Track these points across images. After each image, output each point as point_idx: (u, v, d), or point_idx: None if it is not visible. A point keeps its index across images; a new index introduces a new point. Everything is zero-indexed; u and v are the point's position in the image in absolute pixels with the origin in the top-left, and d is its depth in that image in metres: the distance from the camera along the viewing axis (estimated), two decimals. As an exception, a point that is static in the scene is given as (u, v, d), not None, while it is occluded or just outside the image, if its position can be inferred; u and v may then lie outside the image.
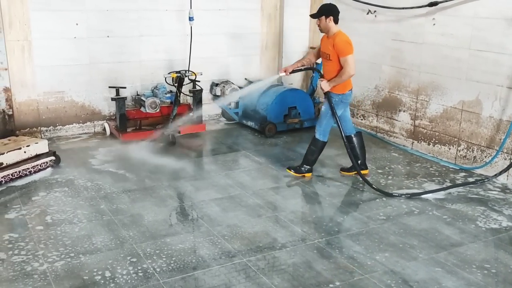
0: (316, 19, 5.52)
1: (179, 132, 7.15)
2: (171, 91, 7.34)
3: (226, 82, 7.94)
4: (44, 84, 7.03)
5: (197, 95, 7.45)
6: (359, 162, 5.92)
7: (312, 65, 6.04)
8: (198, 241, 4.41)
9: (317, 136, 5.80)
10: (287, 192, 5.67)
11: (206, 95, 7.91)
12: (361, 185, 5.77)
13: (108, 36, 7.30)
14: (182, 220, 4.90)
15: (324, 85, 5.49)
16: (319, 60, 5.96)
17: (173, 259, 4.10)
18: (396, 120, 7.36)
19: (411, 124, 7.10)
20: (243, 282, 3.82)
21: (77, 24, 7.06)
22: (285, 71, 5.82)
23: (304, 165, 5.93)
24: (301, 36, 8.76)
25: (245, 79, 8.35)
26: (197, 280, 3.83)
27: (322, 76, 5.65)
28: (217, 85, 7.93)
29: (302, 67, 5.89)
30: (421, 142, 6.98)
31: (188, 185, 5.81)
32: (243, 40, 8.23)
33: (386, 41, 7.34)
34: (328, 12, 5.45)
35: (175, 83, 7.01)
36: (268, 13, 8.31)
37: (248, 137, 7.42)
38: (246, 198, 5.37)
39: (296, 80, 8.89)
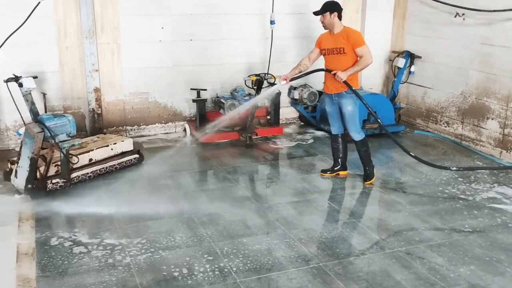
0: (320, 15, 5.56)
1: (256, 135, 7.22)
2: (249, 94, 7.43)
3: (304, 85, 7.92)
4: (130, 85, 7.37)
5: (275, 98, 7.48)
6: (341, 161, 6.00)
7: (310, 69, 5.81)
8: (274, 243, 4.41)
9: (358, 138, 5.71)
10: (365, 199, 5.55)
11: (283, 99, 7.93)
12: (445, 195, 5.52)
13: (191, 40, 7.53)
14: (259, 221, 4.93)
15: (341, 74, 5.37)
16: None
17: (250, 259, 4.14)
18: (483, 128, 6.98)
19: (500, 133, 6.71)
20: (319, 286, 3.78)
21: (162, 28, 7.34)
22: (285, 79, 5.65)
23: (370, 169, 5.82)
24: (382, 40, 8.56)
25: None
26: (273, 282, 3.83)
27: (330, 72, 5.55)
28: (295, 88, 7.93)
29: (300, 73, 5.73)
30: (510, 151, 6.57)
31: (265, 187, 5.85)
32: (322, 44, 8.17)
33: (474, 45, 7.00)
34: (332, 8, 5.50)
35: (254, 85, 7.09)
36: (349, 16, 8.19)
37: (325, 142, 7.34)
38: (323, 202, 5.32)
39: (376, 85, 8.70)
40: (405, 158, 6.44)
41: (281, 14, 7.71)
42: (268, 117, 7.70)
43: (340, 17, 5.54)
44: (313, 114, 8.04)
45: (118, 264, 4.04)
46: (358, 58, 5.43)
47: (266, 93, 6.78)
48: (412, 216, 5.01)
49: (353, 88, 5.48)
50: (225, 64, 7.82)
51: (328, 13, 5.48)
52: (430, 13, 7.80)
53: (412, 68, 8.23)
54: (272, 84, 7.37)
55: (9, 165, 5.66)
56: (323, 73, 5.73)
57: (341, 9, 5.58)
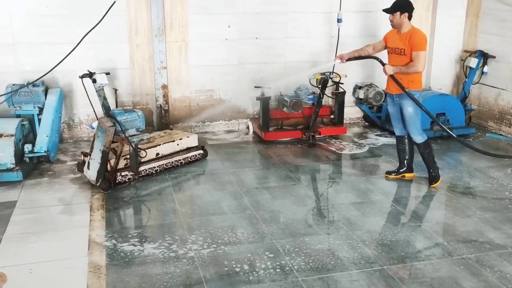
0: (390, 14, 5.36)
1: (320, 134, 7.16)
2: (313, 93, 7.38)
3: (370, 85, 7.78)
4: (196, 83, 7.52)
5: (339, 97, 7.40)
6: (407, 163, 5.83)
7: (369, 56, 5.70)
8: (337, 243, 4.36)
9: (420, 141, 5.53)
10: (432, 202, 5.38)
11: (348, 98, 7.82)
12: (517, 201, 5.26)
13: (256, 38, 7.58)
14: (321, 221, 4.90)
15: (388, 68, 5.31)
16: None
17: (312, 258, 4.11)
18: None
19: None
20: (382, 290, 3.71)
21: (229, 26, 7.44)
22: (340, 59, 5.63)
23: (435, 171, 5.63)
24: (454, 39, 8.24)
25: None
26: (335, 282, 3.80)
27: (381, 63, 5.46)
28: (360, 87, 7.80)
29: (359, 56, 5.69)
30: None
31: (327, 187, 5.80)
32: (390, 43, 7.97)
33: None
34: (403, 8, 5.30)
35: (319, 84, 7.04)
36: (419, 15, 7.94)
37: (390, 143, 7.17)
38: (387, 204, 5.20)
39: (445, 85, 8.39)
40: (475, 162, 6.19)
41: (348, 12, 7.61)
42: (332, 116, 7.62)
43: (410, 17, 5.36)
44: (378, 114, 7.88)
45: (182, 257, 4.14)
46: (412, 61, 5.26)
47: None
48: (483, 222, 4.79)
49: (405, 88, 5.29)
50: (289, 63, 7.82)
51: (398, 12, 5.30)
52: (506, 11, 7.43)
53: (485, 69, 7.87)
54: (338, 83, 7.29)
55: (82, 157, 5.94)
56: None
57: (413, 8, 5.38)
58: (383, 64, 5.41)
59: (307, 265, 4.02)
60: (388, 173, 5.92)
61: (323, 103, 7.36)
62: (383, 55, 5.66)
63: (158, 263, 4.06)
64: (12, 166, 5.65)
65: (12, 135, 5.72)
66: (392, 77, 5.36)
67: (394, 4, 5.38)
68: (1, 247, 4.28)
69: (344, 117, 7.65)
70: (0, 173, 5.60)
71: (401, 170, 5.83)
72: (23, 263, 4.03)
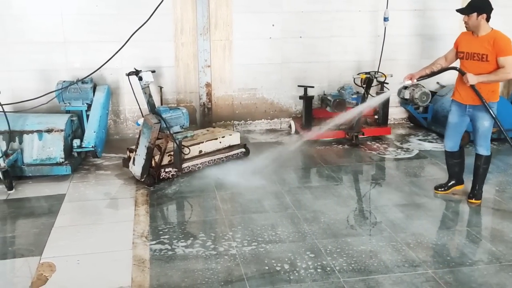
0: (465, 15, 4.78)
1: (363, 134, 7.07)
2: (357, 92, 7.29)
3: (416, 85, 7.61)
4: (239, 81, 7.56)
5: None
6: (457, 176, 5.40)
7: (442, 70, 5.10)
8: (380, 245, 4.29)
9: (485, 154, 5.04)
10: (480, 207, 5.18)
11: (393, 98, 7.69)
12: None
13: (300, 37, 7.55)
14: (363, 222, 4.83)
15: (471, 78, 4.68)
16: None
17: (354, 259, 4.06)
18: None
19: None
20: (427, 294, 3.62)
21: (273, 25, 7.44)
22: (410, 79, 5.07)
23: (481, 189, 5.16)
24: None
25: (437, 83, 7.90)
26: (378, 284, 3.73)
27: (460, 73, 4.86)
28: (406, 88, 7.65)
29: (432, 73, 5.08)
30: None
31: (370, 188, 5.72)
32: (438, 42, 7.75)
33: None
34: (481, 8, 4.71)
35: (363, 84, 6.95)
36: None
37: (436, 145, 6.99)
38: (433, 207, 5.07)
39: (495, 86, 8.11)
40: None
41: (395, 10, 7.48)
42: (376, 116, 7.51)
43: (488, 19, 4.75)
44: (424, 115, 7.71)
45: (224, 253, 4.17)
46: (499, 68, 4.68)
47: (379, 98, 6.51)
48: (534, 229, 4.61)
49: (493, 111, 4.78)
50: (333, 62, 7.75)
51: (475, 14, 4.70)
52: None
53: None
54: (383, 83, 7.18)
55: (127, 153, 6.07)
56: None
57: (491, 9, 4.75)
58: (463, 73, 4.77)
59: (349, 266, 3.97)
60: (437, 188, 5.42)
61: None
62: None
63: (200, 259, 4.10)
64: (61, 160, 5.84)
65: (62, 130, 5.91)
66: (472, 87, 4.74)
67: (470, 4, 4.81)
68: (51, 238, 4.42)
69: (389, 117, 7.52)
70: (50, 167, 5.80)
71: (450, 184, 5.41)
72: (71, 254, 4.15)
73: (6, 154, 5.52)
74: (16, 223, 4.75)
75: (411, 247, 4.25)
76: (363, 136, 7.10)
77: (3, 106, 5.43)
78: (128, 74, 6.19)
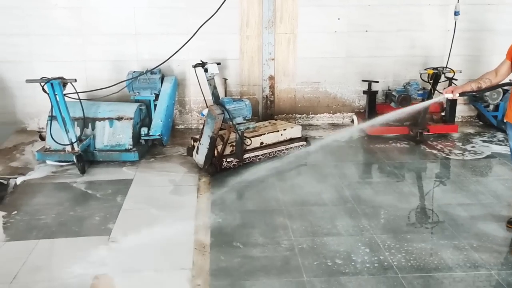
0: None
1: (428, 131, 6.89)
2: (424, 88, 7.11)
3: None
4: (302, 75, 7.58)
5: (451, 94, 7.05)
6: None
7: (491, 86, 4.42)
8: (441, 244, 4.20)
9: None
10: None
11: (461, 95, 7.43)
12: None
13: (366, 31, 7.46)
14: (425, 220, 4.74)
15: None
16: None
17: (413, 256, 4.01)
18: None
19: None
20: (489, 296, 3.53)
21: (338, 19, 7.40)
22: (451, 92, 4.50)
23: None
24: None
25: (510, 80, 7.53)
26: (437, 282, 3.67)
27: None
28: (475, 85, 7.35)
29: (479, 90, 4.40)
30: None
31: (433, 186, 5.59)
32: (512, 37, 7.43)
33: None
34: None
35: (430, 79, 6.77)
36: None
37: (506, 144, 6.71)
38: (499, 208, 4.89)
39: None
40: None
41: (466, 4, 7.21)
42: (443, 113, 7.29)
43: None
44: (494, 114, 7.40)
45: (282, 243, 4.24)
46: None
47: (430, 101, 6.28)
48: None
49: None
50: (399, 57, 7.60)
51: None
52: None
53: None
54: (451, 79, 6.96)
55: (191, 142, 6.26)
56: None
57: None
58: None
59: (407, 262, 3.92)
60: (510, 223, 4.51)
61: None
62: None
63: (258, 246, 4.19)
64: (130, 147, 6.12)
65: (131, 119, 6.19)
66: None
67: None
68: (118, 219, 4.67)
69: (456, 115, 7.28)
70: (119, 153, 6.09)
71: None
72: (137, 235, 4.36)
73: (80, 140, 5.85)
74: (87, 204, 5.03)
75: (474, 247, 4.14)
76: (428, 133, 6.92)
77: (79, 94, 5.75)
78: (195, 66, 6.37)
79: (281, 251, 4.11)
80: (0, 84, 7.19)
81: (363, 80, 7.29)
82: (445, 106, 7.20)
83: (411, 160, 6.25)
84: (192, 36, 6.46)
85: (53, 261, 4.09)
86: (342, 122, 7.79)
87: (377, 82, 7.16)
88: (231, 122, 5.59)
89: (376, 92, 7.14)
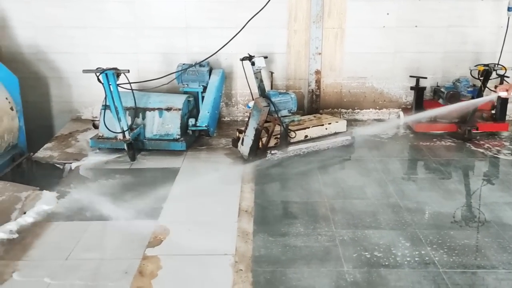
0: None
1: (477, 129, 6.76)
2: (474, 85, 6.96)
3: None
4: (349, 70, 7.58)
5: (503, 91, 6.88)
6: None
7: None
8: (485, 241, 4.16)
9: None
10: None
11: (513, 93, 7.23)
12: None
13: (416, 26, 7.37)
14: (470, 217, 4.69)
15: None
16: None
17: (455, 252, 3.99)
18: None
19: None
20: (533, 295, 3.48)
21: (388, 14, 7.34)
22: (507, 90, 4.38)
23: None
24: None
25: None
26: (480, 279, 3.65)
27: None
28: None
29: None
30: None
31: (480, 185, 5.51)
32: None
33: None
34: None
35: (481, 76, 6.63)
36: None
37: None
38: (549, 209, 4.78)
39: None
40: None
41: (521, -1, 7.02)
42: (493, 111, 7.12)
43: None
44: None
45: (323, 234, 4.31)
46: None
47: (481, 99, 6.12)
48: None
49: None
50: (449, 53, 7.47)
51: None
52: None
53: None
54: (503, 77, 6.80)
55: (237, 133, 6.40)
56: None
57: None
58: None
59: (449, 258, 3.91)
60: None
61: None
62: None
63: (300, 236, 4.28)
64: (178, 137, 6.32)
65: (179, 109, 6.38)
66: None
67: None
68: (166, 205, 4.86)
69: (507, 113, 7.09)
70: (167, 142, 6.31)
71: None
72: (183, 221, 4.55)
73: (131, 128, 6.10)
74: (136, 190, 5.25)
75: (528, 246, 4.09)
76: (476, 131, 6.78)
77: (131, 84, 5.99)
78: (242, 59, 6.49)
79: (322, 242, 4.19)
80: (58, 74, 7.55)
81: (411, 76, 7.22)
82: (495, 104, 7.03)
83: (458, 158, 6.16)
84: (240, 30, 6.58)
85: (104, 241, 4.32)
86: (388, 118, 7.73)
87: (425, 78, 7.07)
88: (276, 115, 5.69)
89: (424, 88, 7.05)
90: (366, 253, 4.00)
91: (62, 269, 3.83)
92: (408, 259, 3.91)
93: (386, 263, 3.86)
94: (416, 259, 3.92)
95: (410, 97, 7.52)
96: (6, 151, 6.15)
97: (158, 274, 3.76)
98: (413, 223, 4.48)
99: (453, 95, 6.78)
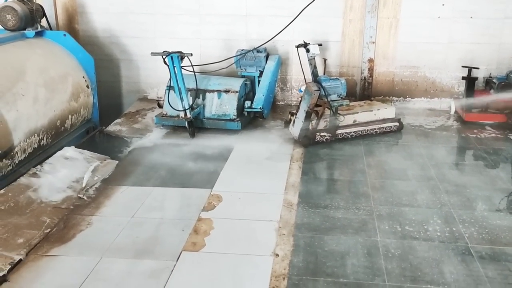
0: None
1: (526, 120, 6.82)
2: (528, 77, 6.99)
3: None
4: (402, 59, 7.78)
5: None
6: None
7: None
8: (517, 223, 4.38)
9: None
10: None
11: None
12: None
13: (471, 17, 7.45)
14: (506, 201, 4.87)
15: None
16: None
17: (486, 230, 4.25)
18: None
19: None
20: (556, 272, 3.70)
21: (443, 4, 7.46)
22: None
23: None
24: None
25: None
26: (506, 255, 3.89)
27: None
28: None
29: None
30: None
31: (522, 172, 5.65)
32: None
33: None
34: None
35: (533, 67, 6.67)
36: None
37: None
38: None
39: None
40: None
41: None
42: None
43: None
44: None
45: (362, 208, 4.66)
46: None
47: None
48: None
49: None
50: (505, 44, 7.50)
51: None
52: None
53: None
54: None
55: (289, 116, 6.81)
56: None
57: None
58: None
59: (479, 235, 4.17)
60: None
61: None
62: None
63: (340, 209, 4.65)
64: (234, 117, 6.81)
65: (236, 92, 6.87)
66: None
67: None
68: (220, 177, 5.37)
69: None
70: (224, 122, 6.81)
71: None
72: (235, 191, 5.03)
73: (192, 108, 6.65)
74: (195, 162, 5.80)
75: (550, 229, 4.27)
76: (528, 122, 6.84)
77: (193, 67, 6.52)
78: (298, 46, 6.85)
79: (360, 215, 4.55)
80: (128, 57, 8.24)
81: (463, 66, 7.33)
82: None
83: (505, 147, 6.27)
84: (295, 18, 6.97)
85: (165, 204, 4.89)
86: (440, 107, 7.86)
87: (478, 68, 7.16)
88: (326, 99, 6.04)
89: (476, 78, 7.15)
90: (400, 226, 4.33)
91: (129, 224, 4.42)
92: (438, 233, 4.21)
93: (418, 236, 4.18)
94: (447, 234, 4.21)
95: (462, 87, 7.61)
96: (82, 124, 6.90)
97: (211, 233, 4.26)
98: (449, 203, 4.75)
99: (504, 86, 6.85)
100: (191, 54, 6.35)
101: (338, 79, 6.26)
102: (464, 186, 5.12)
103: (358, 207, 4.70)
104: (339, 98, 6.18)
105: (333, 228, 4.32)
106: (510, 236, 4.16)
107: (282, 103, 8.17)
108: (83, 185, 5.10)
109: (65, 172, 5.33)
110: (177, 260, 3.87)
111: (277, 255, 3.92)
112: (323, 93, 6.03)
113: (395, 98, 7.96)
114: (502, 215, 4.52)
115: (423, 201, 4.80)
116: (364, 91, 7.88)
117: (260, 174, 5.49)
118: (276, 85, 7.86)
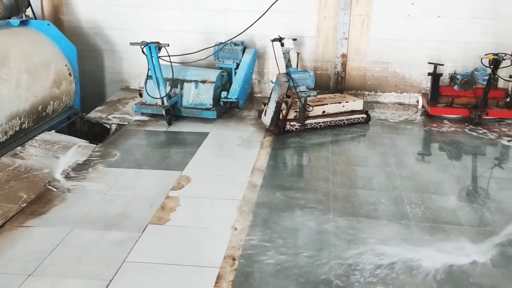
0: None
1: (487, 114, 7.19)
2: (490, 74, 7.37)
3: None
4: (373, 54, 8.15)
5: (517, 80, 7.27)
6: None
7: None
8: (461, 205, 4.75)
9: None
10: None
11: (530, 83, 7.59)
12: None
13: (438, 16, 7.83)
14: (456, 186, 5.20)
15: None
16: None
17: (430, 211, 4.61)
18: None
19: None
20: (487, 246, 4.06)
21: (412, 3, 7.84)
22: None
23: None
24: None
25: None
26: (443, 231, 4.26)
27: None
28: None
29: None
30: None
31: (478, 163, 6.01)
32: None
33: None
34: None
35: (491, 65, 7.04)
36: None
37: None
38: (531, 185, 5.28)
39: None
40: None
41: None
42: (508, 99, 7.51)
43: None
44: None
45: (320, 190, 5.01)
46: None
47: None
48: None
49: None
50: (470, 43, 7.89)
51: None
52: None
53: None
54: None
55: (262, 106, 7.15)
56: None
57: None
58: None
59: (423, 214, 4.54)
60: None
61: (498, 86, 7.34)
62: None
63: (300, 190, 5.00)
64: (210, 106, 7.14)
65: (213, 82, 7.19)
66: None
67: None
68: (192, 161, 5.69)
69: (520, 101, 7.48)
70: (200, 111, 7.14)
71: None
72: (204, 173, 5.37)
73: (169, 96, 6.96)
74: (169, 148, 6.13)
75: (491, 210, 4.64)
76: (487, 117, 7.21)
77: (171, 58, 6.83)
78: (273, 40, 7.22)
79: (317, 195, 4.90)
80: (112, 48, 8.54)
81: (429, 63, 7.69)
82: (510, 92, 7.42)
83: (464, 139, 6.65)
84: (265, 12, 7.47)
85: (136, 184, 5.21)
86: (408, 102, 8.25)
87: (442, 65, 7.54)
88: (294, 90, 6.39)
89: (441, 74, 7.52)
90: (352, 206, 4.68)
91: (101, 201, 4.73)
92: (387, 213, 4.56)
93: (368, 214, 4.53)
94: (395, 214, 4.56)
95: (429, 83, 7.99)
96: (64, 111, 7.20)
97: (176, 209, 4.60)
98: (402, 187, 5.10)
99: (466, 82, 7.23)
100: (168, 45, 6.67)
101: (307, 71, 6.61)
102: (418, 173, 5.49)
103: (317, 189, 5.06)
104: (308, 90, 6.53)
105: (292, 206, 4.66)
106: (451, 216, 4.53)
107: (260, 95, 8.51)
108: (62, 167, 5.41)
109: (45, 154, 5.64)
110: (142, 232, 4.20)
111: (235, 228, 4.26)
112: (292, 85, 6.37)
113: (366, 92, 8.33)
114: (447, 198, 4.89)
115: (378, 185, 5.16)
116: (337, 85, 8.24)
117: (230, 159, 5.83)
118: (254, 78, 8.19)
